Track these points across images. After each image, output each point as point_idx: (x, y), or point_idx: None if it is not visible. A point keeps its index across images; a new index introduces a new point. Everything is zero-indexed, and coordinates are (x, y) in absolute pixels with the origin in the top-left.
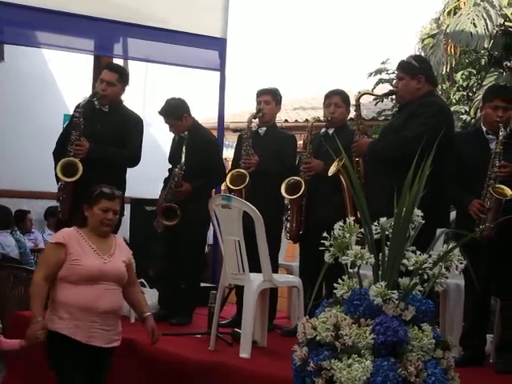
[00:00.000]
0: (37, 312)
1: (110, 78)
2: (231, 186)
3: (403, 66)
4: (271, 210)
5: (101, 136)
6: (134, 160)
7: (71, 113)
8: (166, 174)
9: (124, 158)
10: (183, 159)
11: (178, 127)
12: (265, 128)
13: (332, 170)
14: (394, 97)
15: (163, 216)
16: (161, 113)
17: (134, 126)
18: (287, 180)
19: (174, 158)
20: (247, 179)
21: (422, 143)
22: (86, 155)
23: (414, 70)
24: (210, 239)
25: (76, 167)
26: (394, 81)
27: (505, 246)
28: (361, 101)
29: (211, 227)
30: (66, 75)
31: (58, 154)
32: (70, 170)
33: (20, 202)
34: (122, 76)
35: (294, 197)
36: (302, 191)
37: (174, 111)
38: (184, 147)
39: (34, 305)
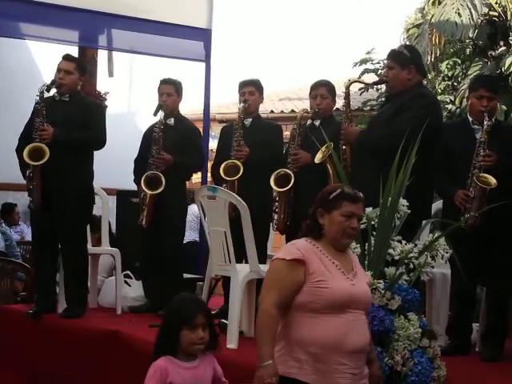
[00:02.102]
0: (266, 352)
1: (68, 67)
2: (225, 177)
3: (394, 56)
4: (260, 200)
5: (64, 122)
6: (100, 141)
7: None
8: None
9: (89, 139)
10: (162, 116)
11: (172, 99)
12: (250, 119)
13: (319, 158)
14: (379, 86)
15: (146, 186)
16: (166, 79)
17: (95, 109)
18: (276, 172)
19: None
20: (241, 170)
21: (411, 138)
22: (52, 139)
23: (405, 59)
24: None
25: (43, 151)
26: (384, 70)
27: (490, 235)
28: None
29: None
30: (52, 67)
31: (22, 149)
32: (37, 156)
33: (6, 195)
34: (79, 65)
35: (284, 189)
36: (291, 184)
37: (179, 84)
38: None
39: (263, 341)
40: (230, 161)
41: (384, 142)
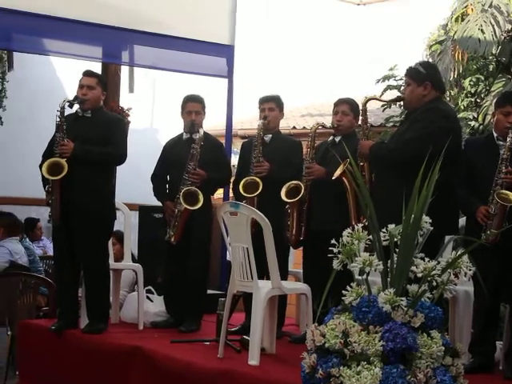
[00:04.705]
0: None
1: (90, 82)
2: (244, 194)
3: (410, 73)
4: (280, 216)
5: (85, 138)
6: (120, 157)
7: None
8: None
9: (109, 154)
10: (201, 133)
11: (200, 117)
12: (270, 135)
13: (336, 174)
14: (402, 103)
15: (185, 201)
16: (193, 97)
17: (116, 124)
18: (287, 184)
19: (174, 160)
20: (260, 187)
21: (422, 146)
22: (72, 155)
23: (421, 76)
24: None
25: (61, 166)
26: (402, 87)
27: None
28: (369, 107)
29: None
30: (75, 83)
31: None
32: (56, 170)
33: (29, 210)
34: (101, 80)
35: (293, 200)
36: (300, 195)
37: (204, 100)
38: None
39: None
40: (249, 177)
41: (393, 152)
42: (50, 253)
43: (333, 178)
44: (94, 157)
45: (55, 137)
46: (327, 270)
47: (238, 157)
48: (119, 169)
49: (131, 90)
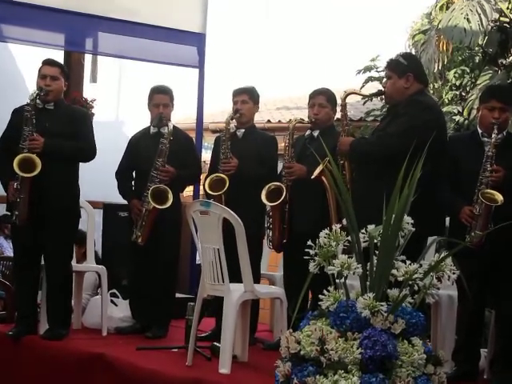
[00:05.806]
0: None
1: (53, 72)
2: (210, 192)
3: (391, 65)
4: (252, 216)
5: (51, 132)
6: (91, 152)
7: None
8: None
9: (80, 149)
10: (170, 127)
11: (168, 109)
12: (243, 130)
13: (315, 173)
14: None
15: (153, 199)
16: (161, 89)
17: (83, 118)
18: (267, 186)
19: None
20: (227, 184)
21: (406, 141)
22: (42, 150)
23: (402, 68)
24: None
25: (34, 163)
26: (385, 79)
27: (498, 255)
28: (348, 100)
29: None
30: (35, 72)
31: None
32: (26, 167)
33: None
34: (63, 70)
35: (275, 204)
36: (282, 198)
37: (172, 92)
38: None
39: None
40: (215, 175)
41: (374, 146)
42: (7, 253)
43: (312, 177)
44: (66, 152)
45: (22, 131)
46: (307, 273)
47: (208, 152)
48: (82, 164)
49: (94, 80)
